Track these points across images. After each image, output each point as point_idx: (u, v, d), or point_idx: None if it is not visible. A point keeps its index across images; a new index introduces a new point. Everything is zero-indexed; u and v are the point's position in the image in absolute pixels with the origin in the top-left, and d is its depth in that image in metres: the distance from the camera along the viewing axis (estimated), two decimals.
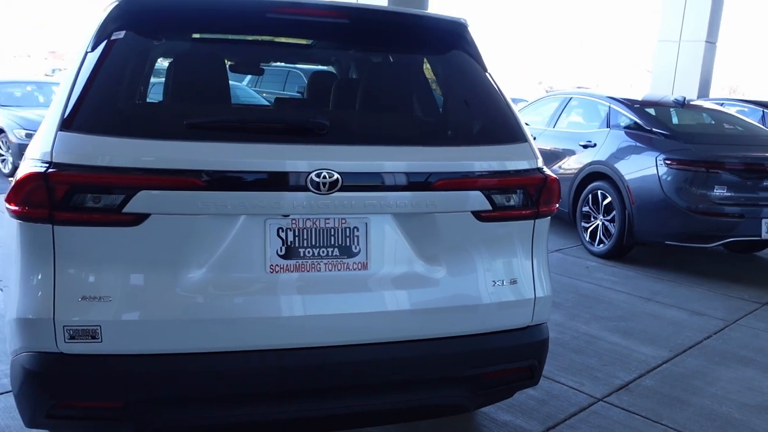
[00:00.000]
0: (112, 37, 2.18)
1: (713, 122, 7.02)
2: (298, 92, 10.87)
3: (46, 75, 33.90)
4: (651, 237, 6.19)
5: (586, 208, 6.68)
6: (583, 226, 6.72)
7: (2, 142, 10.19)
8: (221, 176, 2.03)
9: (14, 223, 2.04)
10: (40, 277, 2.00)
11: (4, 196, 2.06)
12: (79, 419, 2.15)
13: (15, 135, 9.85)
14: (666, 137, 6.14)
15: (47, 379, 2.03)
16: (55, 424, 2.19)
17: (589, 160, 6.68)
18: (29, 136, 9.83)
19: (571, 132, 7.25)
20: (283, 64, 10.15)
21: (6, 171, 10.16)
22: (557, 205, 2.47)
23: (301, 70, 11.07)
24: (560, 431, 3.16)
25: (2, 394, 3.22)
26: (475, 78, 2.48)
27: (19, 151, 9.78)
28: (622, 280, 5.78)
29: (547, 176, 2.38)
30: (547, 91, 30.47)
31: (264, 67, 5.52)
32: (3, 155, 10.21)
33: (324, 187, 2.08)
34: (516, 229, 2.38)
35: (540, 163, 2.41)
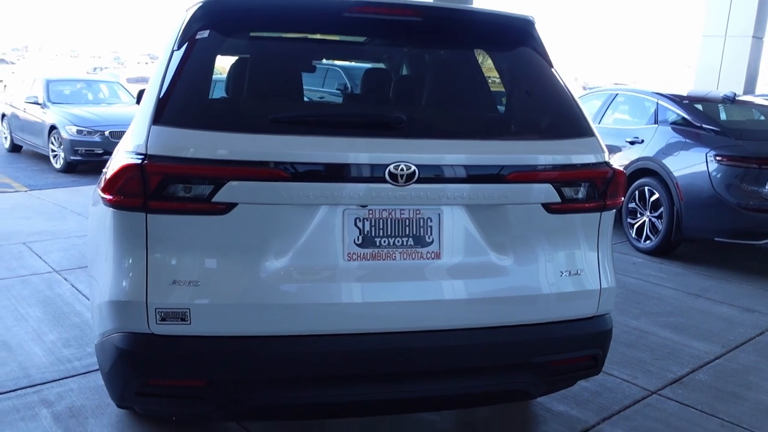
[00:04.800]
0: (197, 37, 2.29)
1: (764, 118, 6.93)
2: (337, 89, 10.89)
3: (87, 73, 34.63)
4: (700, 233, 6.15)
5: (632, 205, 6.65)
6: (630, 223, 6.70)
7: (54, 138, 10.46)
8: (304, 168, 2.12)
9: (108, 212, 2.16)
10: (132, 262, 2.12)
11: (92, 188, 2.16)
12: (165, 397, 2.27)
13: (66, 131, 10.13)
14: (716, 133, 6.09)
15: (140, 358, 2.15)
16: (144, 401, 2.33)
17: (636, 156, 6.65)
18: (80, 132, 10.12)
19: (617, 128, 7.21)
20: (325, 61, 10.18)
21: (58, 166, 10.44)
22: (622, 199, 2.51)
23: (340, 67, 11.07)
24: (615, 422, 3.20)
25: (76, 376, 3.39)
26: (543, 74, 2.53)
27: (71, 146, 10.06)
28: (670, 277, 5.76)
29: (614, 170, 2.43)
30: (584, 88, 30.07)
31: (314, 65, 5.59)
32: (55, 151, 10.49)
33: (401, 179, 2.16)
34: (583, 222, 2.43)
35: (607, 156, 2.46)
